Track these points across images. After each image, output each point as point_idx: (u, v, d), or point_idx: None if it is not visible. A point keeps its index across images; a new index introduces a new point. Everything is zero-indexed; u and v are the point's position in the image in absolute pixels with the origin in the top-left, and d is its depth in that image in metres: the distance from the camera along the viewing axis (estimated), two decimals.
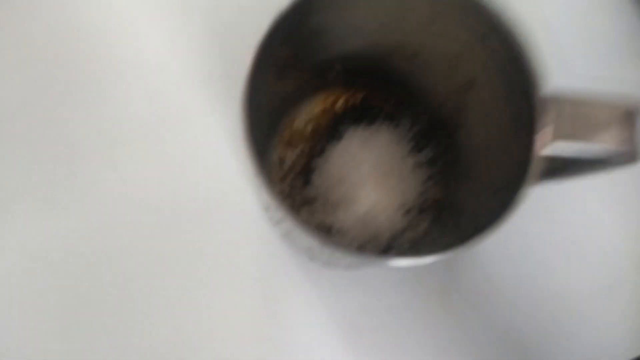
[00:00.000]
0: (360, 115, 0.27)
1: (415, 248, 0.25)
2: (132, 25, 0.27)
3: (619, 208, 0.28)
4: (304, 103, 0.26)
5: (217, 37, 0.27)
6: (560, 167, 0.20)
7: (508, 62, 0.18)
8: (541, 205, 0.26)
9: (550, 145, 0.17)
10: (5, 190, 0.25)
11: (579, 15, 0.29)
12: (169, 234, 0.25)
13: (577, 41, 0.29)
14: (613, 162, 0.18)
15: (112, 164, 0.26)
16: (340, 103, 0.27)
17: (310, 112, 0.27)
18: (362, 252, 0.16)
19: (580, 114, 0.17)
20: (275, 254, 0.25)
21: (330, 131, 0.27)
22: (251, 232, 0.26)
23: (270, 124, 0.25)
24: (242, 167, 0.26)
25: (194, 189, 0.26)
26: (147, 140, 0.26)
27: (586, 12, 0.29)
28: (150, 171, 0.26)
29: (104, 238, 0.25)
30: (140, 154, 0.26)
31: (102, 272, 0.24)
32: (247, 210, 0.26)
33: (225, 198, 0.26)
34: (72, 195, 0.25)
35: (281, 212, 0.16)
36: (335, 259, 0.23)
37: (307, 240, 0.20)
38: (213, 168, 0.26)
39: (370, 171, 0.25)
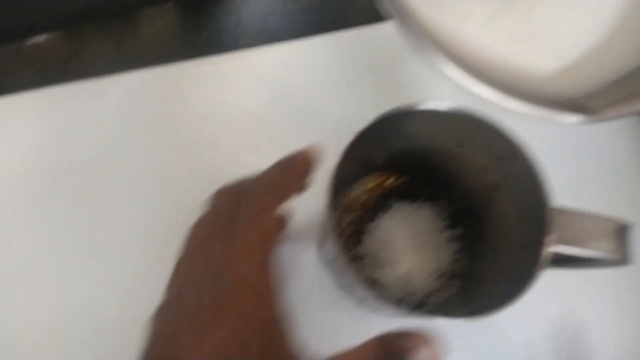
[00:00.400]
0: (405, 193, 0.33)
1: (444, 307, 0.31)
2: None
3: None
4: (361, 179, 0.33)
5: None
6: (566, 261, 0.26)
7: (524, 180, 0.24)
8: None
9: (556, 246, 0.23)
10: None
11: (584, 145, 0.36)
12: None
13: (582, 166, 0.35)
14: (607, 263, 0.24)
15: None
16: (389, 181, 0.33)
17: (365, 186, 0.33)
18: (410, 309, 0.22)
19: (581, 226, 0.23)
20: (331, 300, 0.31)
21: (380, 203, 0.33)
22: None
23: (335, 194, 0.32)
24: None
25: None
26: None
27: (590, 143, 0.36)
28: None
29: None
30: None
31: None
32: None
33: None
34: None
35: (348, 270, 0.22)
36: (382, 308, 0.29)
37: (362, 292, 0.26)
38: None
39: (411, 239, 0.31)
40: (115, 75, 0.35)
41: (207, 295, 0.19)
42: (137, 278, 0.30)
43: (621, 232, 0.23)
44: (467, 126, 0.25)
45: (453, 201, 0.32)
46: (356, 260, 0.32)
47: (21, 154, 0.33)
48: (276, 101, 0.36)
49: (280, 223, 0.24)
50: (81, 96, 0.34)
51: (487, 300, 0.27)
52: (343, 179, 0.31)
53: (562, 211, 0.23)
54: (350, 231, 0.32)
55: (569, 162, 0.35)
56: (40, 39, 0.36)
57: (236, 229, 0.20)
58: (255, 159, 0.24)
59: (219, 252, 0.20)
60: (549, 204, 0.23)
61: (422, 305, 0.31)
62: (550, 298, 0.32)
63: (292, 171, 0.22)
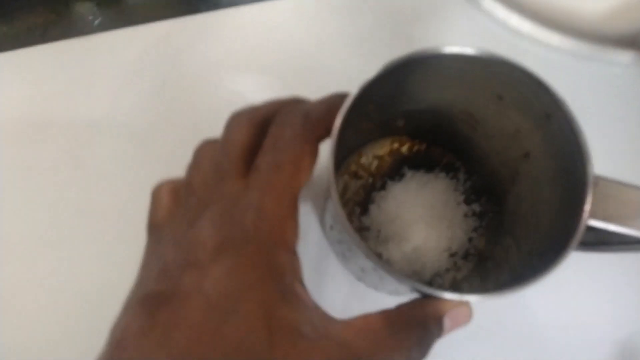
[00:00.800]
0: (421, 161, 0.30)
1: (455, 288, 0.28)
2: None
3: None
4: (373, 143, 0.30)
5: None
6: (601, 242, 0.22)
7: (563, 144, 0.21)
8: None
9: (590, 222, 0.19)
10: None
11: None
12: None
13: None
14: None
15: None
16: (405, 148, 0.30)
17: (377, 151, 0.30)
18: (411, 280, 0.19)
19: (622, 198, 0.20)
20: (328, 271, 0.29)
21: (392, 171, 0.30)
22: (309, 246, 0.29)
23: (342, 157, 0.29)
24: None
25: None
26: None
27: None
28: None
29: None
30: None
31: None
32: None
33: None
34: None
35: (348, 234, 0.19)
36: (383, 283, 0.26)
37: (363, 262, 0.23)
38: None
39: (424, 212, 0.28)
40: (105, 33, 0.33)
41: (220, 231, 0.17)
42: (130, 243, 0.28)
43: None
44: (503, 78, 0.21)
45: (474, 174, 0.29)
46: (360, 232, 0.29)
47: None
48: (282, 57, 0.33)
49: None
50: (68, 54, 0.32)
51: (506, 278, 0.24)
52: (351, 141, 0.28)
53: (600, 180, 0.20)
54: (358, 200, 0.29)
55: (609, 126, 0.31)
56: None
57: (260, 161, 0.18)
58: None
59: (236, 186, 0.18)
60: (590, 171, 0.19)
61: (430, 285, 0.28)
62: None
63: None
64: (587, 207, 0.19)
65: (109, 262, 0.28)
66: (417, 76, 0.22)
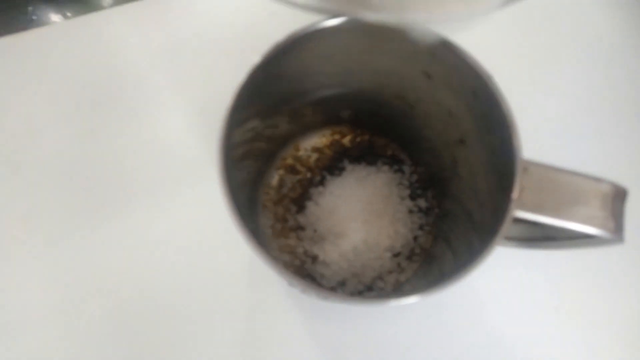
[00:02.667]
0: (364, 153, 0.27)
1: (397, 292, 0.25)
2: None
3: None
4: (311, 135, 0.27)
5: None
6: (538, 237, 0.20)
7: (491, 126, 0.18)
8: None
9: (518, 213, 0.17)
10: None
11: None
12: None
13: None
14: (592, 240, 0.18)
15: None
16: (347, 140, 0.27)
17: (316, 143, 0.27)
18: (333, 294, 0.16)
19: (557, 186, 0.17)
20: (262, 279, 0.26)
21: (332, 164, 0.27)
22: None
23: (269, 150, 0.26)
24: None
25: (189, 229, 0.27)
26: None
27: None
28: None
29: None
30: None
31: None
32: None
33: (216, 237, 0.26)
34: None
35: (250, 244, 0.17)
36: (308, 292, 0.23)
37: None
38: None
39: (364, 208, 0.26)
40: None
41: None
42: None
43: (614, 197, 0.17)
44: (427, 53, 0.19)
45: (417, 167, 0.26)
46: (295, 231, 0.26)
47: None
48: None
49: None
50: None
51: (440, 276, 0.21)
52: (282, 131, 0.26)
53: (531, 165, 0.17)
54: (294, 196, 0.27)
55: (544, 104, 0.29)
56: None
57: None
58: None
59: None
60: (518, 154, 0.17)
61: (371, 289, 0.25)
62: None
63: None
64: (514, 195, 0.17)
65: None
66: (328, 49, 0.20)
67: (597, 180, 0.17)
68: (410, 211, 0.26)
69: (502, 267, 0.25)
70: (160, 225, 0.26)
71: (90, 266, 0.26)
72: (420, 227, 0.26)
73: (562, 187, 0.17)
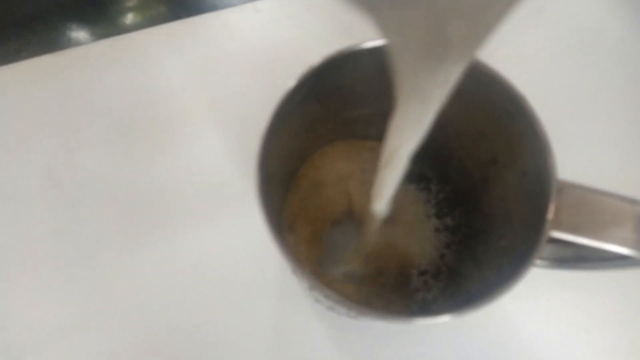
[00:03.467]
0: None
1: (424, 310, 0.25)
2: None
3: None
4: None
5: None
6: (571, 258, 0.19)
7: (526, 146, 0.18)
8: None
9: (553, 233, 0.17)
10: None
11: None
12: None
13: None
14: (628, 262, 0.18)
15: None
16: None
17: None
18: (364, 310, 0.16)
19: (593, 207, 0.17)
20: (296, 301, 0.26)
21: None
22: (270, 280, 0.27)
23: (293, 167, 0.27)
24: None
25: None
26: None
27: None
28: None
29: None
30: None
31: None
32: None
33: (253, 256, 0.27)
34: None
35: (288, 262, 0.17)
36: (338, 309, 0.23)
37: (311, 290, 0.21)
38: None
39: (389, 226, 0.26)
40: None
41: None
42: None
43: None
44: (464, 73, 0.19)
45: (447, 184, 0.26)
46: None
47: None
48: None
49: None
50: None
51: (467, 295, 0.21)
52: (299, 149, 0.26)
53: (566, 186, 0.17)
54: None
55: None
56: None
57: None
58: None
59: None
60: (553, 175, 0.17)
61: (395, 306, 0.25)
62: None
63: None
64: (550, 216, 0.17)
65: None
66: (363, 71, 0.20)
67: (633, 201, 0.17)
68: (437, 229, 0.26)
69: (530, 288, 0.24)
70: (189, 241, 0.27)
71: (116, 288, 0.26)
72: (447, 246, 0.26)
73: (597, 209, 0.17)
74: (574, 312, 0.26)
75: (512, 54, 0.27)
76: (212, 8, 0.33)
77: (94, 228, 0.27)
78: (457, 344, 0.25)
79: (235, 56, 0.31)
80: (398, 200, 0.26)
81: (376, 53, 0.18)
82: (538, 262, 0.19)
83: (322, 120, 0.23)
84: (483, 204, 0.23)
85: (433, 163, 0.27)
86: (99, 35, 0.32)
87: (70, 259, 0.26)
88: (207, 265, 0.26)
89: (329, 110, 0.22)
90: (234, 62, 0.30)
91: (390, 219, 0.26)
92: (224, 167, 0.28)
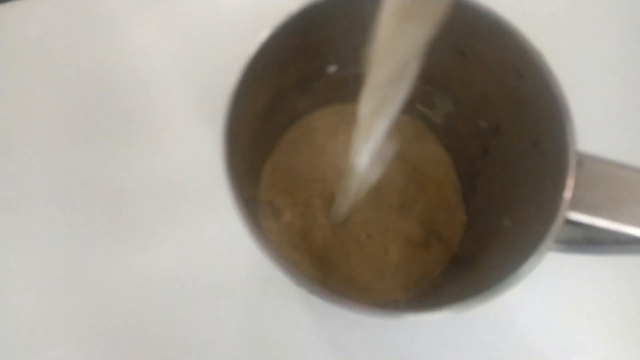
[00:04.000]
0: None
1: (423, 296, 0.23)
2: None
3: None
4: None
5: None
6: (588, 241, 0.17)
7: (538, 112, 0.16)
8: None
9: (571, 215, 0.14)
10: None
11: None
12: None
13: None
14: None
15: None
16: None
17: None
18: (345, 301, 0.14)
19: (614, 184, 0.15)
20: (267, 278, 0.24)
21: None
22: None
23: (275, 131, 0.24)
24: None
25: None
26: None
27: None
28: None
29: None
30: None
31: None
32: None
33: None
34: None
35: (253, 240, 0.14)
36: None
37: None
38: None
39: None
40: None
41: None
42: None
43: None
44: (462, 26, 0.16)
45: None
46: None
47: None
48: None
49: None
50: None
51: (478, 287, 0.19)
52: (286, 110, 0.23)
53: (586, 159, 0.15)
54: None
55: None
56: None
57: None
58: None
59: None
60: (572, 146, 0.14)
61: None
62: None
63: None
64: (568, 194, 0.14)
65: None
66: (345, 24, 0.17)
67: None
68: None
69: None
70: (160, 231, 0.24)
71: (86, 288, 0.23)
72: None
73: (621, 185, 0.15)
74: (576, 296, 0.24)
75: (528, 8, 0.23)
76: None
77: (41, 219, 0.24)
78: (455, 329, 0.23)
79: (212, 13, 0.27)
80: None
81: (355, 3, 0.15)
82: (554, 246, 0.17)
83: (305, 80, 0.20)
84: (483, 179, 0.21)
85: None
86: None
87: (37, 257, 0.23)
88: (189, 258, 0.23)
89: (308, 67, 0.19)
90: (210, 20, 0.27)
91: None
92: (191, 123, 0.25)
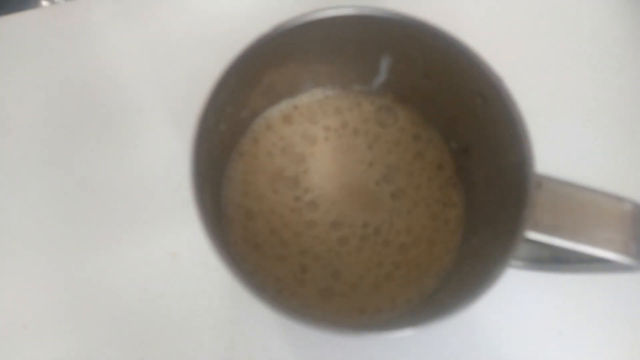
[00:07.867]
0: None
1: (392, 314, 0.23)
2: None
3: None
4: None
5: None
6: (551, 259, 0.18)
7: (501, 135, 0.16)
8: None
9: (529, 234, 0.15)
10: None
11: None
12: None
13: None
14: (610, 266, 0.16)
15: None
16: None
17: None
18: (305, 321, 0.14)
19: (574, 206, 0.15)
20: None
21: None
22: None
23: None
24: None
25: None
26: None
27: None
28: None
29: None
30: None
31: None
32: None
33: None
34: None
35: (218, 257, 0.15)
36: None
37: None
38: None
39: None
40: None
41: None
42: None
43: (636, 219, 0.15)
44: (426, 50, 0.17)
45: None
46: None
47: None
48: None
49: None
50: None
51: (441, 304, 0.19)
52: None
53: (545, 181, 0.15)
54: None
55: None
56: None
57: None
58: None
59: None
60: (530, 168, 0.15)
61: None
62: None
63: None
64: (526, 214, 0.15)
65: None
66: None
67: (619, 199, 0.15)
68: None
69: (501, 288, 0.23)
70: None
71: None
72: None
73: (579, 206, 0.15)
74: (547, 313, 0.24)
75: (490, 33, 0.24)
76: None
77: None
78: (422, 349, 0.23)
79: (191, 31, 0.28)
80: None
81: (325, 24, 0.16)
82: (512, 262, 0.18)
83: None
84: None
85: None
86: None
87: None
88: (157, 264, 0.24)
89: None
90: (188, 37, 0.28)
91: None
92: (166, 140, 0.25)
